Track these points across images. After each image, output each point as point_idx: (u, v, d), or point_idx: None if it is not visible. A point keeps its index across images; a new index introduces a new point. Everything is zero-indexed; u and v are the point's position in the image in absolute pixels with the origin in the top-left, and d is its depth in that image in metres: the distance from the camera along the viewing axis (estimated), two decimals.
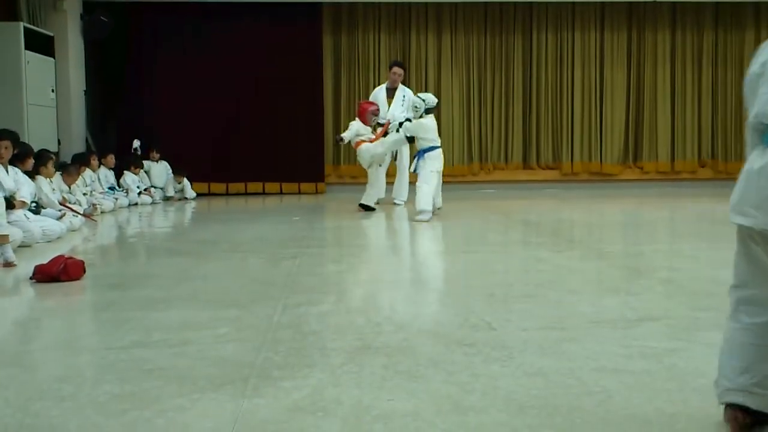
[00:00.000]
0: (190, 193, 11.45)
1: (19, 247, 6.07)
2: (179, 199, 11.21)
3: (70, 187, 8.51)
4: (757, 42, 12.77)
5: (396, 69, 10.02)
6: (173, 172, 11.39)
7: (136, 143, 11.36)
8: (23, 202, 6.58)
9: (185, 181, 11.41)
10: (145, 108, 11.71)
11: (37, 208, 7.03)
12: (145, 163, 11.21)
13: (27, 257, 5.86)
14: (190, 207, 10.57)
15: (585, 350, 3.04)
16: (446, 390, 2.58)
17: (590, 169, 12.89)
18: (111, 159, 10.55)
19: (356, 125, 9.32)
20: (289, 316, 3.71)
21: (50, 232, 6.76)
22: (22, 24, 9.11)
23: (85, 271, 4.95)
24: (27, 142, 8.07)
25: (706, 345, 3.10)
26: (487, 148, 12.85)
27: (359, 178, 12.20)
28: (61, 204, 7.54)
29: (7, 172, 6.57)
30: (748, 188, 2.14)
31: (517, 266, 5.57)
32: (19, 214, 6.44)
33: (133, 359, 2.98)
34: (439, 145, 8.59)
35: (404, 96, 9.75)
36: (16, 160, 6.84)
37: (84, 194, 8.93)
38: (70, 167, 8.78)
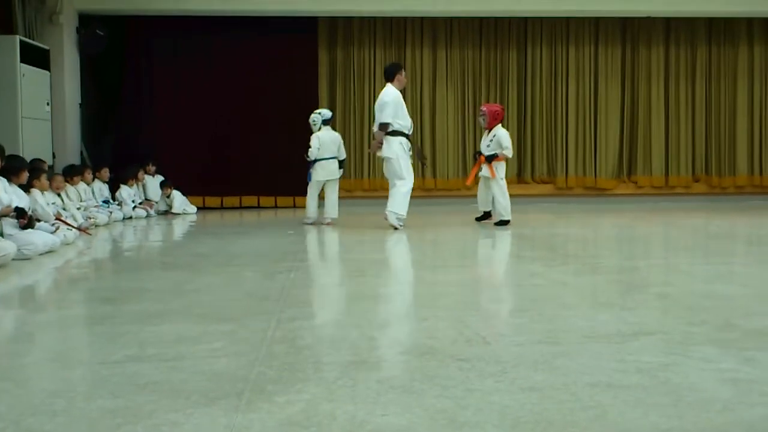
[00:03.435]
0: (181, 205, 11.28)
1: (14, 260, 6.06)
2: (179, 214, 11.13)
3: (60, 195, 8.50)
4: (750, 57, 12.97)
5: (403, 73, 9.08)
6: (160, 185, 11.26)
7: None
8: (8, 207, 6.53)
9: (174, 193, 11.29)
10: (141, 121, 11.73)
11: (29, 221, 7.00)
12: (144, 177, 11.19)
13: (18, 270, 5.86)
14: (184, 221, 10.55)
15: (579, 365, 3.04)
16: (441, 405, 2.57)
17: (585, 184, 12.93)
18: (105, 172, 10.54)
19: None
20: (283, 330, 3.70)
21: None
22: (18, 37, 9.13)
23: None
24: (22, 155, 8.06)
25: (701, 360, 3.11)
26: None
27: (353, 191, 12.23)
28: (55, 218, 7.52)
29: None
30: None
31: (511, 280, 5.57)
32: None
33: (127, 373, 2.97)
34: (328, 156, 9.27)
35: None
36: (9, 174, 6.83)
37: (78, 208, 8.91)
38: (56, 176, 8.81)
